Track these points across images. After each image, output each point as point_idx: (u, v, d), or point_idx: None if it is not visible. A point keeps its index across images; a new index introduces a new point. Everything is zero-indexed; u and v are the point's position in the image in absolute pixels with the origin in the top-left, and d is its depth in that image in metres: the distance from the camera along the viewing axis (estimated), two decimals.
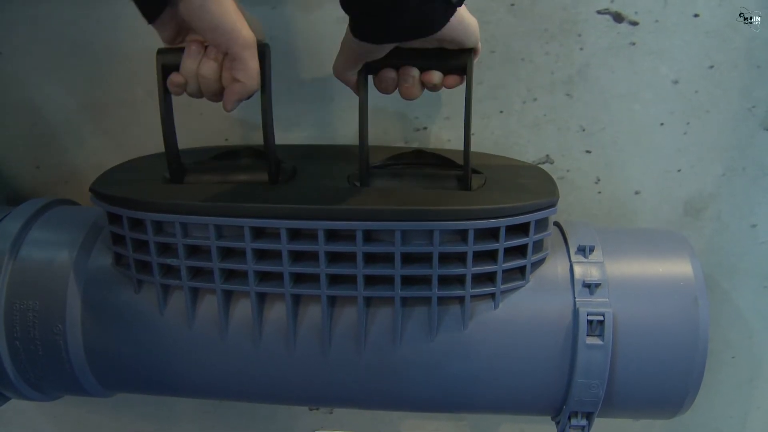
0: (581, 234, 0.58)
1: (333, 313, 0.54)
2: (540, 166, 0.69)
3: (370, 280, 0.53)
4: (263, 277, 0.55)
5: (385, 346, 0.54)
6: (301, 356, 0.55)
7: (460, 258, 0.52)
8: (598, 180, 0.69)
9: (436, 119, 0.68)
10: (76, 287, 0.58)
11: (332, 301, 0.55)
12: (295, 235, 0.52)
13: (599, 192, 0.70)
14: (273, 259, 0.53)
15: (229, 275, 0.55)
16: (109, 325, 0.58)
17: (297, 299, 0.55)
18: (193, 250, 0.55)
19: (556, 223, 0.60)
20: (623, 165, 0.68)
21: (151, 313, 0.57)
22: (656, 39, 0.63)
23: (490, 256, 0.53)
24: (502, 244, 0.52)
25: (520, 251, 0.54)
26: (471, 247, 0.51)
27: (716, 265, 0.71)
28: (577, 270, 0.55)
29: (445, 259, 0.52)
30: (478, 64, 0.64)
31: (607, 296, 0.54)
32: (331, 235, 0.52)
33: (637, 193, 0.69)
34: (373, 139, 0.68)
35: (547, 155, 0.69)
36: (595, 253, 0.56)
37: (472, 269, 0.52)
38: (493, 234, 0.52)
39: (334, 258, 0.53)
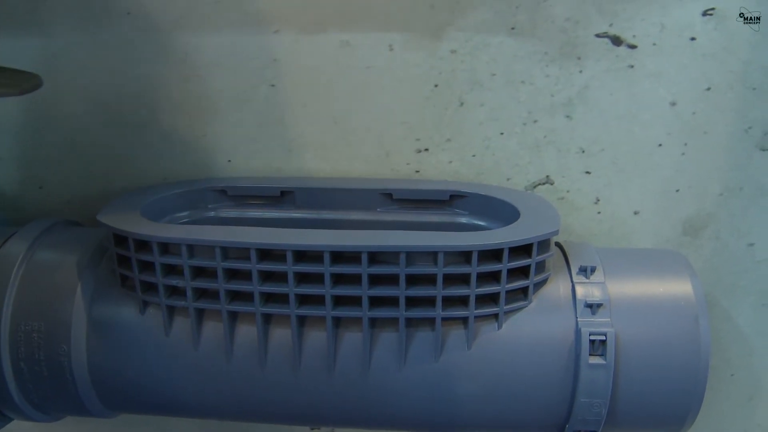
0: (582, 254, 0.59)
1: (338, 333, 0.55)
2: (540, 186, 0.70)
3: (375, 302, 0.54)
4: (268, 298, 0.55)
5: (389, 367, 0.54)
6: (305, 377, 0.55)
7: (464, 279, 0.53)
8: (598, 200, 0.70)
9: (438, 141, 0.69)
10: (82, 308, 0.58)
11: (337, 322, 0.55)
12: (300, 257, 0.53)
13: (599, 212, 0.70)
14: (278, 281, 0.54)
15: (235, 296, 0.55)
16: (114, 346, 0.58)
17: (302, 320, 0.55)
18: (199, 272, 0.55)
19: (558, 244, 0.61)
20: (623, 185, 0.69)
21: (156, 335, 0.58)
22: (654, 62, 0.64)
23: (493, 277, 0.53)
24: (506, 265, 0.52)
25: (523, 272, 0.54)
26: (475, 269, 0.52)
27: (716, 284, 0.71)
28: (579, 290, 0.55)
29: (449, 280, 0.53)
30: (479, 87, 0.65)
31: (609, 316, 0.54)
32: (337, 257, 0.53)
33: (636, 213, 0.70)
34: (374, 160, 0.69)
35: (547, 176, 0.70)
36: (596, 273, 0.56)
37: (476, 290, 0.52)
38: (496, 255, 0.52)
39: (338, 279, 0.54)
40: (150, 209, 0.63)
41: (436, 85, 0.67)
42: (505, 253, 0.52)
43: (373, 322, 0.55)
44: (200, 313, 0.56)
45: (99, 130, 0.72)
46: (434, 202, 0.67)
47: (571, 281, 0.56)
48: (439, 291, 0.52)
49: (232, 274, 0.55)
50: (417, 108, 0.68)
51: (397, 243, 0.51)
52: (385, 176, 0.71)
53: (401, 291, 0.52)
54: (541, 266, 0.55)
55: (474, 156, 0.70)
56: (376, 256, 0.53)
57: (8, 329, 0.59)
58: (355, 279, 0.53)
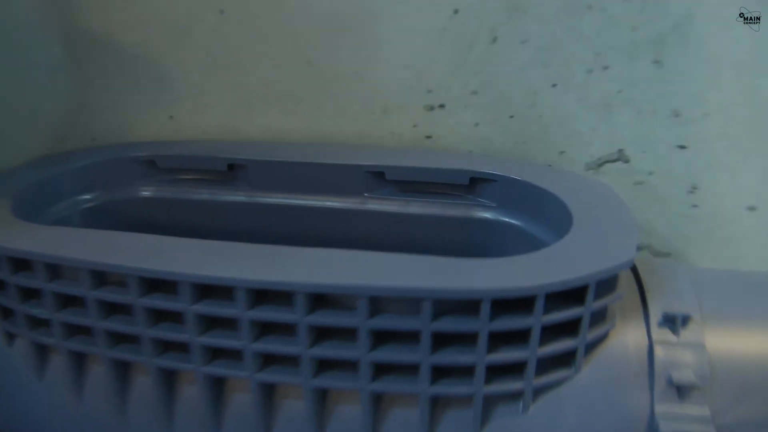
0: (668, 286, 0.37)
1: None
2: (609, 164, 0.47)
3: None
4: (168, 346, 0.36)
5: None
6: None
7: (468, 338, 0.32)
8: (694, 188, 0.47)
9: (458, 94, 0.47)
10: None
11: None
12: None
13: (695, 206, 0.48)
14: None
15: (123, 339, 0.37)
16: None
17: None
18: (71, 300, 0.37)
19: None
20: (734, 169, 0.46)
21: (27, 376, 0.40)
22: None
23: (519, 336, 0.33)
24: (539, 320, 0.31)
25: (568, 326, 0.33)
26: (485, 325, 0.31)
27: None
28: (660, 355, 0.34)
29: (442, 339, 0.33)
30: (520, 14, 0.43)
31: (708, 405, 0.33)
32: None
33: (751, 209, 0.47)
34: (366, 120, 0.48)
35: (621, 150, 0.47)
36: (691, 326, 0.35)
37: (486, 358, 0.32)
38: (524, 301, 0.32)
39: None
40: (39, 190, 0.44)
41: (455, 11, 0.44)
42: (539, 303, 0.31)
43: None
44: (79, 356, 0.38)
45: None
46: (447, 186, 0.45)
47: (649, 338, 0.35)
48: (424, 356, 0.32)
49: (113, 308, 0.36)
50: (428, 44, 0.46)
51: (350, 282, 0.31)
52: (381, 143, 0.50)
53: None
54: (599, 316, 0.34)
55: (512, 117, 0.47)
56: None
57: None
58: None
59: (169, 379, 0.37)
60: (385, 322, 0.32)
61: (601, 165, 0.48)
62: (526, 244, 0.43)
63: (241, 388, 0.36)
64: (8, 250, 0.35)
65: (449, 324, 0.31)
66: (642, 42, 0.43)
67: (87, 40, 0.50)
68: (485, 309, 0.30)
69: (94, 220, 0.47)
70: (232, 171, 0.48)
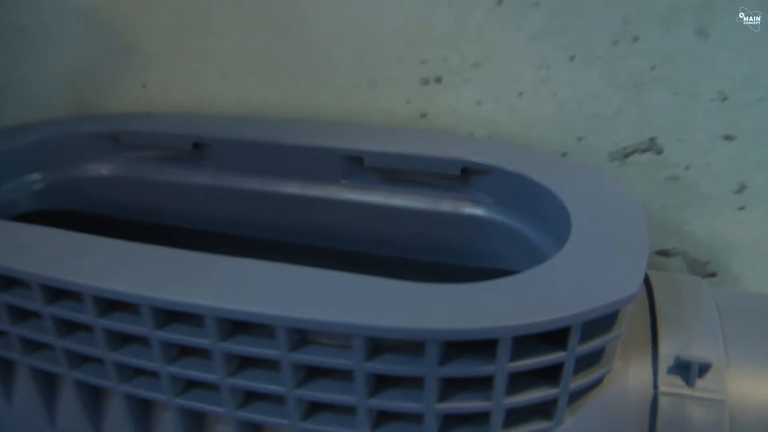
0: (690, 319, 0.29)
1: None
2: (637, 155, 0.39)
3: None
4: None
5: None
6: None
7: (417, 381, 0.26)
8: (742, 187, 0.39)
9: (457, 66, 0.40)
10: None
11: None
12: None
13: (742, 208, 0.39)
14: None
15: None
16: None
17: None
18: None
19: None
20: None
21: None
22: None
23: (484, 382, 0.26)
24: (503, 366, 0.25)
25: (550, 372, 0.26)
26: (432, 371, 0.25)
27: None
28: (666, 410, 0.27)
29: (386, 381, 0.26)
30: None
31: None
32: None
33: None
34: (351, 94, 0.42)
35: (652, 139, 0.39)
36: (711, 376, 0.27)
37: (436, 406, 0.26)
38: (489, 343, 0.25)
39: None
40: None
41: None
42: (503, 348, 0.24)
43: None
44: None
45: None
46: (436, 176, 0.39)
47: (654, 386, 0.28)
48: (361, 400, 0.26)
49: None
50: (423, 6, 0.39)
51: (266, 311, 0.25)
52: (368, 121, 0.43)
53: (287, 392, 0.26)
54: (590, 359, 0.27)
55: (521, 95, 0.40)
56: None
57: None
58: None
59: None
60: (312, 357, 0.26)
61: (627, 155, 0.40)
62: (522, 249, 0.36)
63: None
64: None
65: (391, 365, 0.25)
66: (683, 7, 0.35)
67: (53, 2, 0.45)
68: (432, 352, 0.24)
69: (45, 201, 0.43)
70: (198, 150, 0.42)
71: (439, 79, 0.40)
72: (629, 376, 0.28)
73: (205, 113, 0.46)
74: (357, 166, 0.39)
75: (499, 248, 0.37)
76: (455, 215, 0.38)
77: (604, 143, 0.40)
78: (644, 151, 0.39)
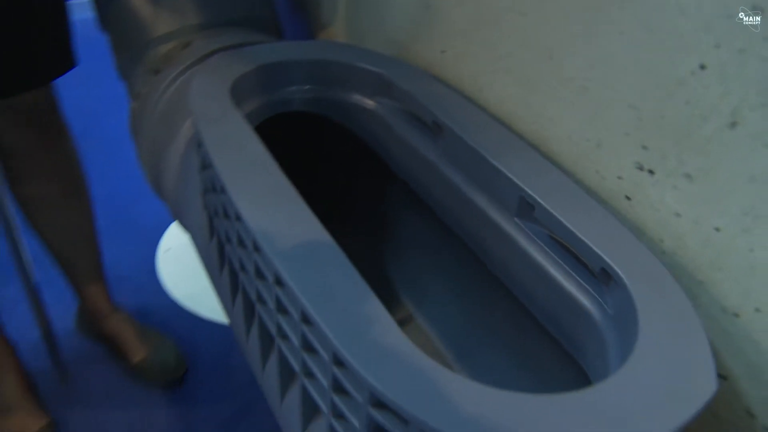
0: None
1: None
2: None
3: None
4: None
5: None
6: None
7: None
8: None
9: (671, 167, 0.36)
10: None
11: None
12: None
13: None
14: None
15: None
16: None
17: None
18: None
19: None
20: None
21: None
22: None
23: None
24: None
25: None
26: None
27: None
28: None
29: None
30: None
31: None
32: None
33: None
34: (575, 142, 0.42)
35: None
36: None
37: None
38: None
39: None
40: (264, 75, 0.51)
41: (702, 66, 0.33)
42: None
43: None
44: None
45: None
46: (586, 265, 0.37)
47: None
48: None
49: None
50: (659, 91, 0.35)
51: None
52: (582, 178, 0.42)
53: None
54: None
55: (717, 230, 0.34)
56: None
57: None
58: None
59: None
60: None
61: None
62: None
63: None
64: None
65: None
66: None
67: None
68: None
69: (312, 107, 0.53)
70: (436, 126, 0.47)
71: (651, 172, 0.37)
72: None
73: (468, 95, 0.50)
74: (528, 210, 0.39)
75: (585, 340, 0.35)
76: (578, 305, 0.37)
77: None
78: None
